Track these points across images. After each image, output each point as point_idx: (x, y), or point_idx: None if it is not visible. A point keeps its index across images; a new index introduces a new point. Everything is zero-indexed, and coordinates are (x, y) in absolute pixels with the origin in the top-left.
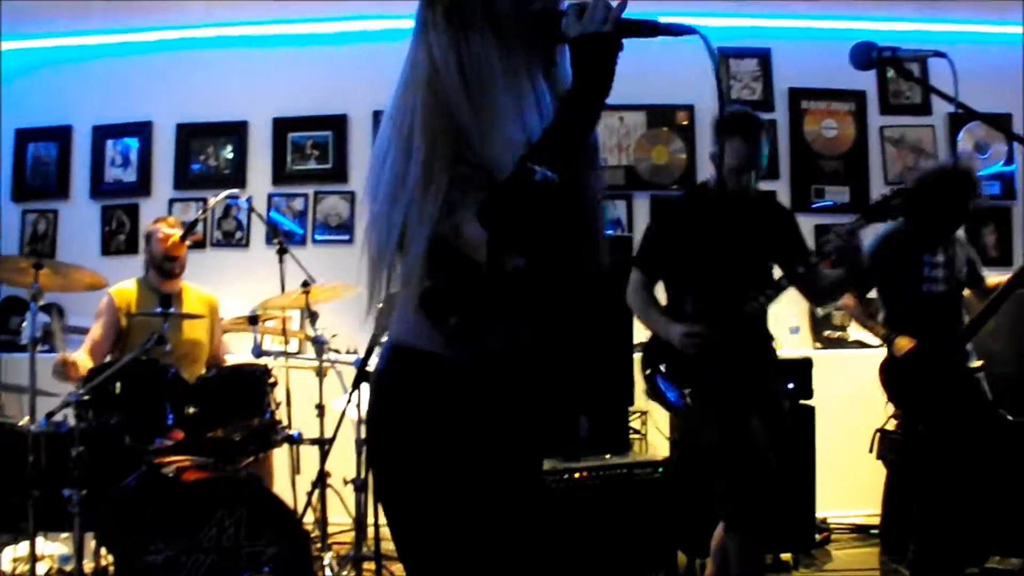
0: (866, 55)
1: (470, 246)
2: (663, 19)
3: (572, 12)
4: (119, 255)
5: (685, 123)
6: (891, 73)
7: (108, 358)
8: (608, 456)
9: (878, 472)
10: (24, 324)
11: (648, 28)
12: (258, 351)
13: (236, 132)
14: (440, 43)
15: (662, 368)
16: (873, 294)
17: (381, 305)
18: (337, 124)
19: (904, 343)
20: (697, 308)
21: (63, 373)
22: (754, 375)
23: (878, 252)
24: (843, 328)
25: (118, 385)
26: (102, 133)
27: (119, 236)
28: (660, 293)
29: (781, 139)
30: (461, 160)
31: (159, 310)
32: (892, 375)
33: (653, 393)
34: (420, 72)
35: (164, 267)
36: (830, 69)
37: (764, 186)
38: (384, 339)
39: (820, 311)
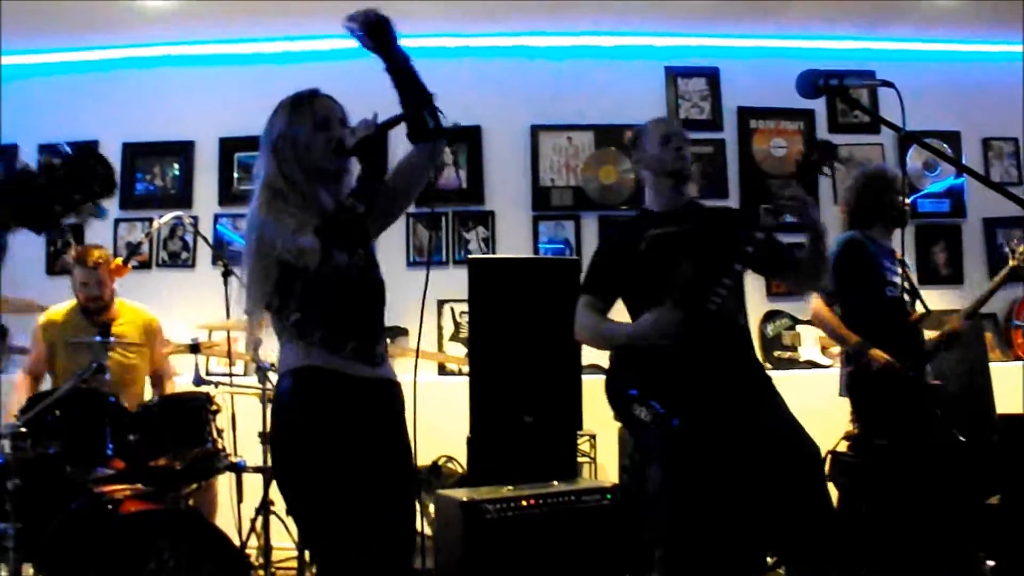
0: (812, 83)
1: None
2: None
3: (347, 133)
4: (65, 275)
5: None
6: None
7: (47, 382)
8: (556, 483)
9: (831, 494)
10: None
11: (390, 122)
12: (199, 380)
13: (183, 152)
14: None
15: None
16: None
17: None
18: None
19: (880, 354)
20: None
21: None
22: (742, 385)
23: (839, 259)
24: (794, 348)
25: (56, 414)
26: (48, 152)
27: (64, 255)
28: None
29: (730, 158)
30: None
31: (98, 339)
32: (864, 387)
33: (625, 414)
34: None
35: (85, 310)
36: (779, 88)
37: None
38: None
39: (770, 331)
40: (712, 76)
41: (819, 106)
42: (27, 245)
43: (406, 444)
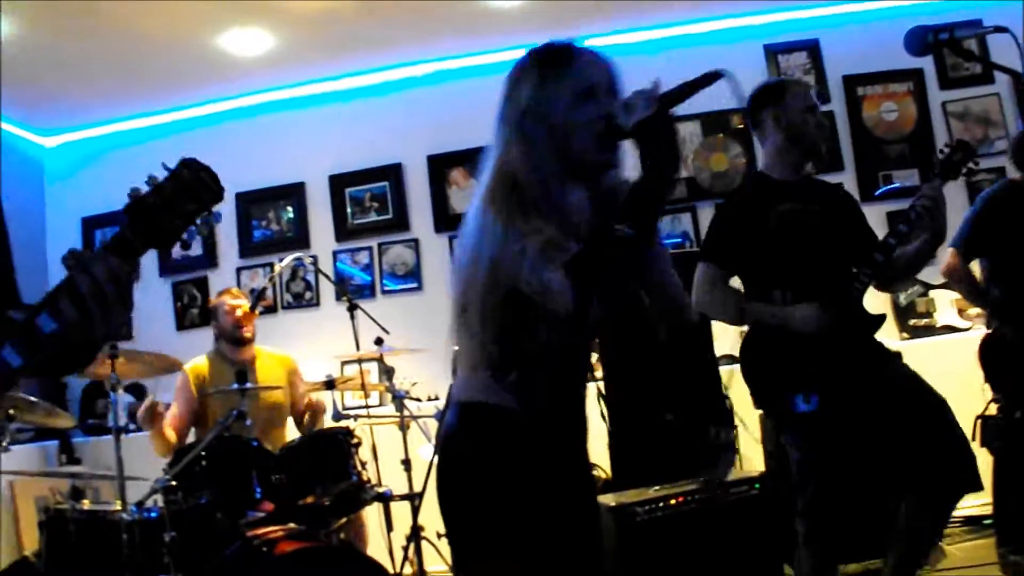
0: (922, 40)
1: (552, 295)
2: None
3: (620, 109)
4: (194, 329)
5: (740, 126)
6: None
7: (191, 434)
8: (703, 478)
9: (985, 460)
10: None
11: (682, 92)
12: (337, 415)
13: (295, 194)
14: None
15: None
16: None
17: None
18: (393, 173)
19: None
20: (788, 300)
21: (149, 420)
22: (873, 362)
23: (982, 217)
24: (929, 315)
25: (203, 464)
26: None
27: (192, 310)
28: None
29: (841, 129)
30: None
31: (235, 386)
32: (995, 355)
33: (769, 405)
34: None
35: (235, 336)
36: (882, 50)
37: (828, 179)
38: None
39: (903, 299)
40: (813, 48)
41: (927, 64)
42: (157, 302)
43: (590, 473)
